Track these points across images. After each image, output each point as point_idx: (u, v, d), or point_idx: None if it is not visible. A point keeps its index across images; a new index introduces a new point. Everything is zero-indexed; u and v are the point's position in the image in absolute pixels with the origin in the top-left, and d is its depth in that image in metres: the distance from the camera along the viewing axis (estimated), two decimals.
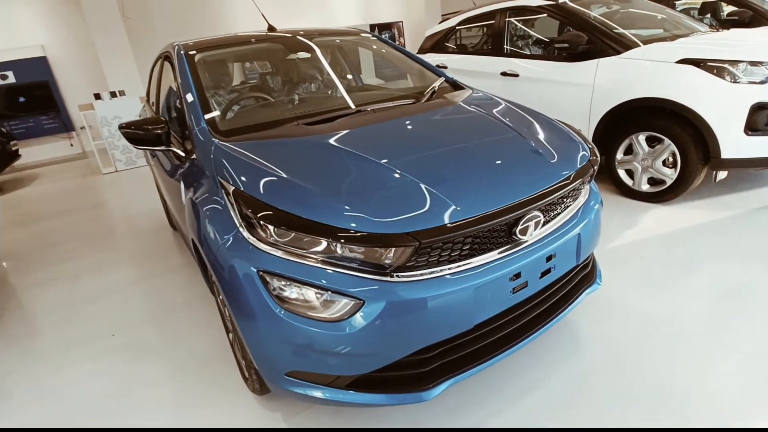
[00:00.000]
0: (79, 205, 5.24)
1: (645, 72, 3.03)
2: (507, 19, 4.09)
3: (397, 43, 10.91)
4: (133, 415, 1.84)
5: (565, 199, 1.61)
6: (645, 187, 3.27)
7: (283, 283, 1.31)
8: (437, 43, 4.92)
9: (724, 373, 1.70)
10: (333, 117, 1.94)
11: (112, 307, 2.72)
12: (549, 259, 1.51)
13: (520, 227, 1.42)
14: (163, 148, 2.01)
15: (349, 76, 2.76)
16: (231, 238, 1.43)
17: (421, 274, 1.31)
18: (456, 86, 2.50)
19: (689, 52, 2.89)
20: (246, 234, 1.39)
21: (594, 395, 1.67)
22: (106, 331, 2.46)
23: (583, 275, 1.82)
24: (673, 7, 4.75)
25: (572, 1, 3.70)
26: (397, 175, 1.45)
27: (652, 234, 2.85)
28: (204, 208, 1.61)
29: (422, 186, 1.40)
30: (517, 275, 1.43)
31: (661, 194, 3.19)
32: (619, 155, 3.34)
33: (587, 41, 3.36)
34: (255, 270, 1.34)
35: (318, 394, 1.38)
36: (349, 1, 10.21)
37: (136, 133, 1.99)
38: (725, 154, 2.81)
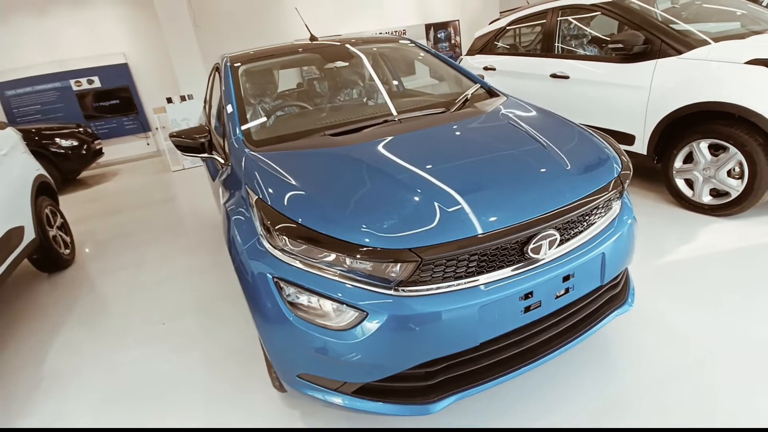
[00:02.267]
0: (151, 200, 5.75)
1: (709, 73, 2.78)
2: (559, 19, 3.91)
3: (452, 42, 10.77)
4: (166, 402, 2.01)
5: (587, 217, 1.54)
6: (706, 198, 3.00)
7: (295, 290, 1.38)
8: (487, 44, 4.81)
9: None
10: (359, 128, 1.99)
11: (166, 296, 2.98)
12: (566, 279, 1.46)
13: (532, 246, 1.38)
14: (206, 155, 2.17)
15: (385, 84, 2.79)
16: (253, 245, 1.53)
17: (426, 290, 1.32)
18: (491, 93, 2.45)
19: (761, 52, 2.61)
20: (265, 242, 1.48)
21: (618, 421, 1.59)
22: (158, 319, 2.70)
23: (612, 295, 1.72)
24: (756, 0, 4.27)
25: None
26: (409, 190, 1.47)
27: (711, 251, 2.62)
28: (233, 214, 1.73)
29: (432, 201, 1.40)
30: (529, 294, 1.39)
31: (725, 207, 2.91)
32: (678, 163, 3.09)
33: (644, 41, 3.13)
34: (271, 276, 1.42)
35: (325, 397, 1.44)
36: (404, 1, 10.22)
37: (183, 141, 2.16)
38: None
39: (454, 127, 1.97)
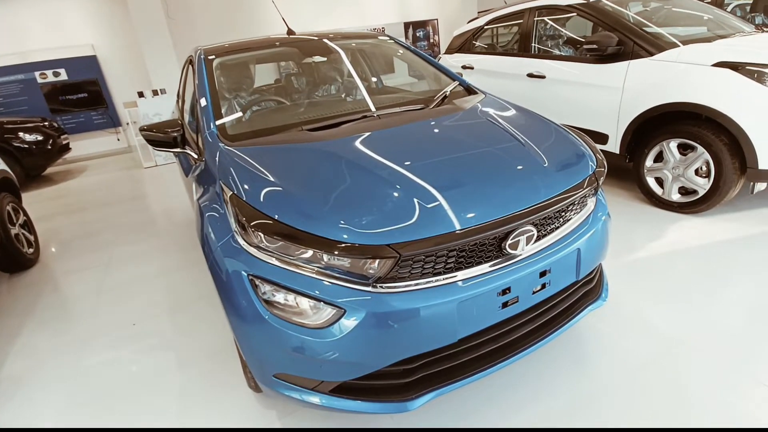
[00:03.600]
0: (120, 198, 5.55)
1: (678, 75, 2.87)
2: (535, 19, 3.97)
3: (431, 41, 10.81)
4: (136, 406, 1.94)
5: (563, 213, 1.56)
6: (675, 196, 3.10)
7: (270, 288, 1.35)
8: (465, 43, 4.84)
9: (743, 408, 1.58)
10: (337, 123, 1.96)
11: (136, 297, 2.87)
12: (543, 274, 1.47)
13: (510, 242, 1.39)
14: (178, 150, 2.10)
15: (364, 80, 2.77)
16: (227, 242, 1.48)
17: (404, 286, 1.31)
18: (470, 90, 2.46)
19: (727, 55, 2.71)
20: (240, 238, 1.44)
21: (591, 416, 1.61)
22: (128, 320, 2.60)
23: (587, 290, 1.75)
24: (721, 5, 4.44)
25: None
26: (387, 186, 1.45)
27: (679, 247, 2.71)
28: (207, 210, 1.67)
29: (410, 197, 1.39)
30: (507, 290, 1.40)
31: (693, 205, 3.01)
32: (649, 162, 3.18)
33: (618, 42, 3.21)
34: (246, 274, 1.38)
35: (302, 397, 1.42)
36: None
37: (154, 136, 2.09)
38: (763, 164, 2.62)
39: (433, 123, 1.97)
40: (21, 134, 6.39)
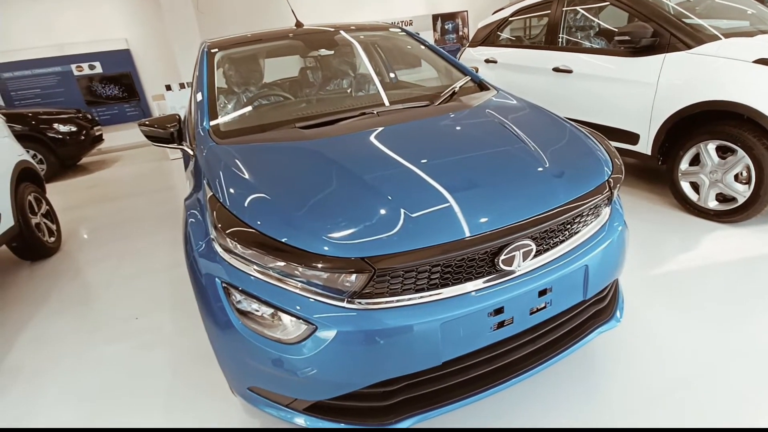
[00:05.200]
0: (147, 189, 5.68)
1: (718, 71, 2.59)
2: (564, 9, 3.72)
3: (460, 33, 10.52)
4: (125, 407, 1.92)
5: (569, 226, 1.40)
6: (712, 203, 2.83)
7: (243, 297, 1.27)
8: (489, 36, 4.62)
9: None
10: (335, 120, 1.86)
11: (145, 290, 2.88)
12: (543, 293, 1.32)
13: (503, 257, 1.25)
14: (175, 146, 2.05)
15: (376, 75, 2.64)
16: (205, 245, 1.42)
17: (384, 302, 1.20)
18: (482, 86, 2.30)
19: None
20: (216, 244, 1.36)
21: None
22: (132, 314, 2.61)
23: (597, 310, 1.58)
24: (764, 1, 4.04)
25: None
26: (371, 192, 1.33)
27: (714, 260, 2.46)
28: (191, 208, 1.61)
29: (396, 206, 1.27)
30: (500, 310, 1.26)
31: (731, 213, 2.73)
32: (684, 165, 2.92)
33: (653, 33, 2.94)
34: (219, 281, 1.31)
35: (279, 414, 1.34)
36: None
37: (153, 131, 2.05)
38: None
39: (433, 122, 1.83)
40: (56, 125, 6.63)
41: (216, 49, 2.34)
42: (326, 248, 1.18)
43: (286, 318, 1.21)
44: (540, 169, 1.46)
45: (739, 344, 1.83)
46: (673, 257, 2.53)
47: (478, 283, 1.26)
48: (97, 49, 8.18)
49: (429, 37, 10.18)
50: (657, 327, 1.97)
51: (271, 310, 1.23)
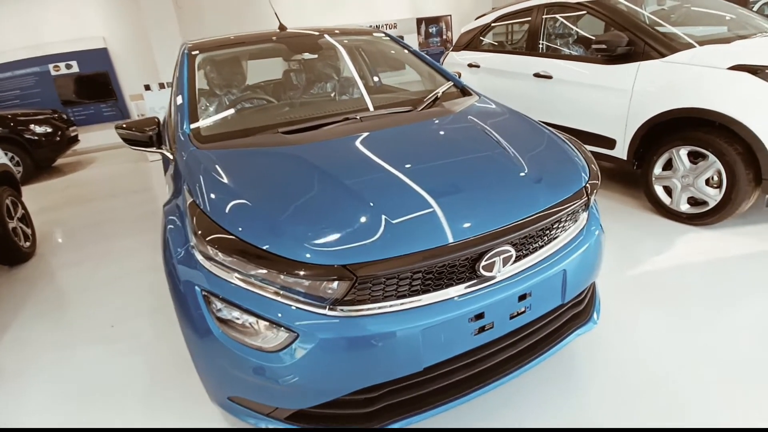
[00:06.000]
0: (124, 190, 5.57)
1: (691, 78, 2.68)
2: (544, 17, 3.79)
3: (444, 37, 10.61)
4: (102, 407, 1.88)
5: (548, 231, 1.43)
6: (684, 207, 2.92)
7: (223, 305, 1.26)
8: (472, 40, 4.68)
9: None
10: (317, 125, 1.86)
11: (120, 296, 2.82)
12: (523, 298, 1.35)
13: (484, 263, 1.27)
14: (154, 149, 2.02)
15: (360, 79, 2.65)
16: (184, 251, 1.40)
17: (366, 309, 1.21)
18: (465, 92, 2.33)
19: (744, 57, 2.52)
20: (195, 251, 1.35)
21: None
22: (107, 321, 2.55)
23: (575, 313, 1.62)
24: (746, 4, 4.19)
25: None
26: (354, 199, 1.34)
27: (686, 261, 2.55)
28: (170, 214, 1.59)
29: (378, 212, 1.28)
30: (480, 315, 1.28)
31: (703, 216, 2.83)
32: (657, 170, 3.01)
33: (628, 42, 3.03)
34: (199, 289, 1.30)
35: (259, 424, 1.33)
36: None
37: (129, 134, 2.01)
38: None
39: (415, 128, 1.84)
40: (32, 126, 6.44)
41: (197, 51, 2.31)
42: (308, 255, 1.18)
43: (267, 326, 1.21)
44: (521, 174, 1.48)
45: (713, 341, 1.89)
46: (648, 259, 2.60)
47: (459, 289, 1.28)
48: (74, 48, 7.97)
49: (413, 39, 10.22)
50: (633, 327, 2.03)
51: (252, 318, 1.22)
